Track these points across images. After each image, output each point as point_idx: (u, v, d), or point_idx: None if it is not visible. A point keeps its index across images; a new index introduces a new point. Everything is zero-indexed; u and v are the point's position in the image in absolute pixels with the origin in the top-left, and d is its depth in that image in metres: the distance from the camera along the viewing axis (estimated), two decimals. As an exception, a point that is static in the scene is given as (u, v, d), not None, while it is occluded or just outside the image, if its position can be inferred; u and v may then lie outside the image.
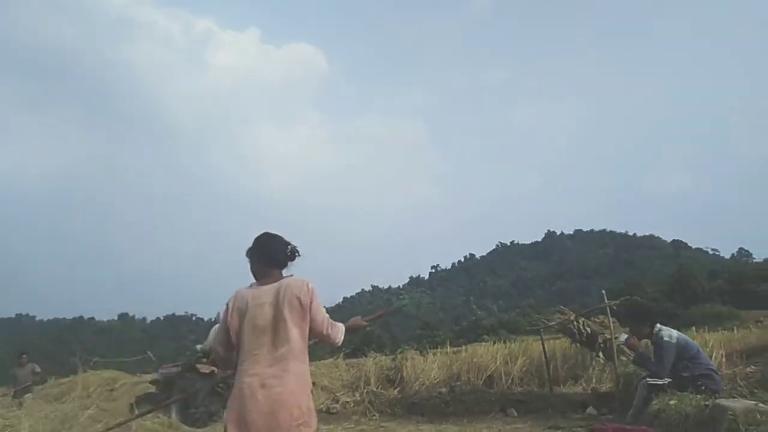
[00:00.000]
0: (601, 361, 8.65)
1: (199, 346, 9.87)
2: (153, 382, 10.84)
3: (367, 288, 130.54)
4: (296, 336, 2.61)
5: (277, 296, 2.64)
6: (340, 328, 2.81)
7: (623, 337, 5.59)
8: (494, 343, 12.92)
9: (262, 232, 2.88)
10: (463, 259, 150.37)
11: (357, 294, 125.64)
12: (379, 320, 3.59)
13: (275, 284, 2.70)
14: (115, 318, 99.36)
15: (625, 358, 7.28)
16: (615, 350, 7.08)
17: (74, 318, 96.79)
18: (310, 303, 2.66)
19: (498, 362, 10.18)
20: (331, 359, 11.98)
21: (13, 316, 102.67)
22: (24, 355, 11.25)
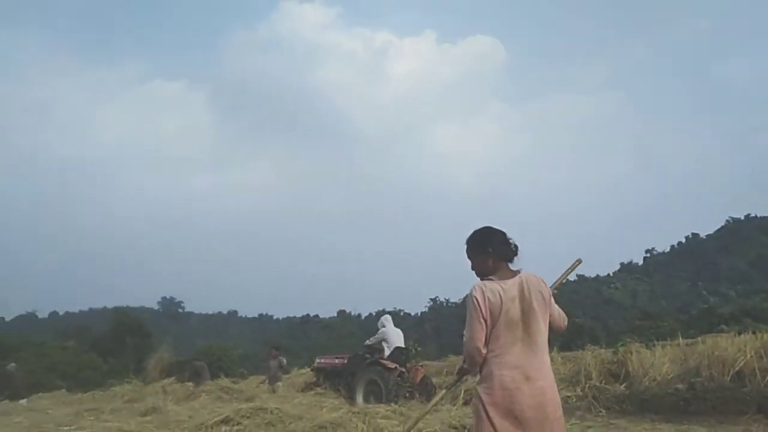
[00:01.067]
0: None
1: (368, 341, 10.71)
2: (313, 370, 12.21)
3: (572, 277, 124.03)
4: (544, 329, 2.71)
5: (522, 291, 2.70)
6: (563, 314, 2.93)
7: None
8: (738, 333, 11.13)
9: (484, 226, 2.89)
10: (684, 240, 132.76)
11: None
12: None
13: (516, 279, 2.74)
14: (335, 315, 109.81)
15: None
16: None
17: (303, 316, 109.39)
18: (550, 297, 2.79)
19: (748, 356, 8.79)
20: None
21: (256, 315, 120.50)
22: (274, 350, 13.20)
